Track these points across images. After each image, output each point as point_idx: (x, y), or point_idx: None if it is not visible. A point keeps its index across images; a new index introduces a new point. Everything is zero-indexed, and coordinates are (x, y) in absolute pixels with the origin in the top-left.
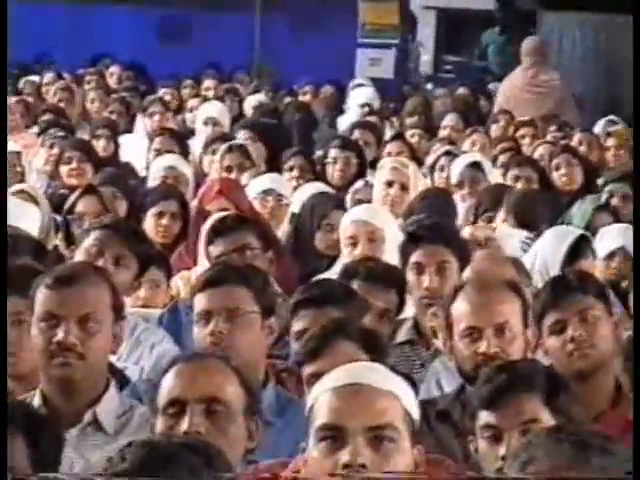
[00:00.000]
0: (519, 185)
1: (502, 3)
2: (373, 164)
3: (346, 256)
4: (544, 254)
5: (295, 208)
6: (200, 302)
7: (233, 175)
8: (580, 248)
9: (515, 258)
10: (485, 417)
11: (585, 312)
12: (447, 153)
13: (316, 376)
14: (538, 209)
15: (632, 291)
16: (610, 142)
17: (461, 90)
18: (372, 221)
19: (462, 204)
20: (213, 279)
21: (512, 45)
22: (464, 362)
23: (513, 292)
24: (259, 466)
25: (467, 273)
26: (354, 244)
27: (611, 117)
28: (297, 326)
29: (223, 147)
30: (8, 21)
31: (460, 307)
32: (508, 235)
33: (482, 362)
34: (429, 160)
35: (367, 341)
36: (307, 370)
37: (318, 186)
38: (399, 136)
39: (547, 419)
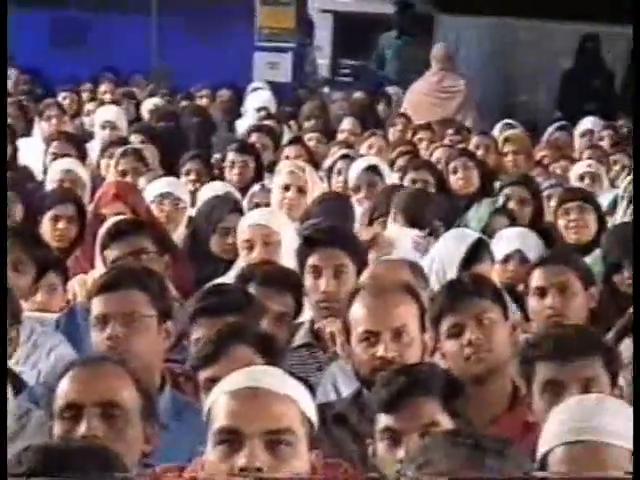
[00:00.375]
0: None
1: (400, 7)
2: (271, 168)
3: (242, 260)
4: (441, 257)
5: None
6: (97, 306)
7: (128, 179)
8: (478, 251)
9: (412, 262)
10: (384, 420)
11: (481, 316)
12: (344, 157)
13: (212, 381)
14: (427, 207)
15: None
16: (507, 147)
17: (358, 94)
18: (269, 224)
19: (360, 208)
20: (109, 283)
21: (409, 49)
22: (361, 366)
23: (410, 296)
24: (156, 469)
25: (364, 277)
26: (250, 248)
27: (508, 121)
28: (196, 334)
29: (118, 151)
30: None
31: (357, 311)
32: (400, 235)
33: (379, 366)
34: (327, 164)
35: (263, 345)
36: (203, 375)
37: (217, 188)
38: (297, 140)
39: (445, 422)
